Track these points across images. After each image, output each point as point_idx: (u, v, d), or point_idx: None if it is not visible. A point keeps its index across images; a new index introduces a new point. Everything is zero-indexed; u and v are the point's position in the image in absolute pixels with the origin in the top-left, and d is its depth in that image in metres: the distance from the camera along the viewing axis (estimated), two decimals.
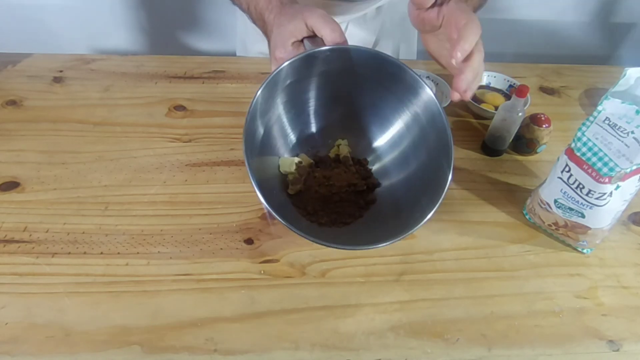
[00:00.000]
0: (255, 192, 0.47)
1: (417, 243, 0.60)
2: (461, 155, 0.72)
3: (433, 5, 0.52)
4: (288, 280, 0.55)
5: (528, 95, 0.67)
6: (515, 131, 0.70)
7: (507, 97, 0.80)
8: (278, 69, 0.51)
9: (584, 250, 0.60)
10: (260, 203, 0.61)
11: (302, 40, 0.54)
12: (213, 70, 0.84)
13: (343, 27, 0.83)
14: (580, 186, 0.54)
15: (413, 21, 0.56)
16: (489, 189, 0.68)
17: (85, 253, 0.56)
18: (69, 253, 0.56)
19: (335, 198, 0.60)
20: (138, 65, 0.84)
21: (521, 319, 0.53)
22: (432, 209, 0.50)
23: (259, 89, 0.50)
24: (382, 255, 0.58)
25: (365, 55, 0.54)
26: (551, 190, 0.58)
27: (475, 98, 0.79)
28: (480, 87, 0.83)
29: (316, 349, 0.49)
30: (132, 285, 0.53)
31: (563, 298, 0.55)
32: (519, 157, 0.73)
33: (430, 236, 0.61)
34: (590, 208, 0.55)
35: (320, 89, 0.59)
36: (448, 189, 0.50)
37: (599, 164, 0.52)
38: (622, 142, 0.50)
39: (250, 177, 0.47)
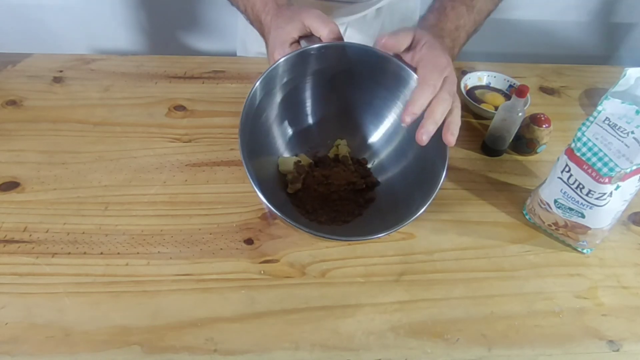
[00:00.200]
0: (255, 192, 0.47)
1: (417, 243, 0.60)
2: (461, 155, 0.72)
3: (407, 51, 0.51)
4: (288, 281, 0.55)
5: (528, 95, 0.67)
6: (515, 131, 0.70)
7: (507, 97, 0.80)
8: (273, 66, 0.51)
9: (584, 251, 0.60)
10: (260, 202, 0.61)
11: (299, 41, 0.54)
12: (213, 70, 0.84)
13: (342, 28, 0.83)
14: (580, 186, 0.54)
15: None
16: (488, 189, 0.68)
17: (85, 253, 0.56)
18: (69, 253, 0.56)
19: (335, 197, 0.60)
20: (138, 65, 0.84)
21: (521, 319, 0.53)
22: (425, 204, 0.50)
23: (254, 86, 0.50)
24: (382, 255, 0.58)
25: (357, 51, 0.54)
26: (551, 190, 0.58)
27: (475, 98, 0.79)
28: (480, 87, 0.83)
29: (316, 349, 0.49)
30: (132, 285, 0.53)
31: (563, 298, 0.55)
32: (519, 157, 0.73)
33: (430, 236, 0.61)
34: (590, 208, 0.55)
35: (316, 87, 0.59)
36: (443, 182, 0.50)
37: (599, 164, 0.52)
38: (622, 142, 0.50)
39: (248, 174, 0.48)
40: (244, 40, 0.94)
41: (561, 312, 0.54)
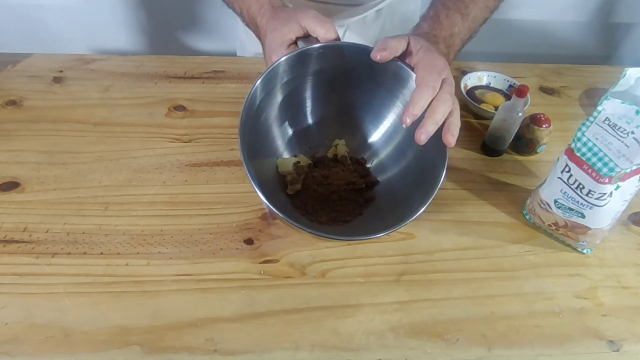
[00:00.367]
0: (255, 192, 0.47)
1: (417, 243, 0.60)
2: (461, 155, 0.72)
3: (403, 55, 0.52)
4: (288, 281, 0.55)
5: (528, 95, 0.67)
6: (515, 131, 0.70)
7: (507, 97, 0.80)
8: (272, 66, 0.51)
9: (584, 251, 0.60)
10: (261, 203, 0.61)
11: (296, 42, 0.54)
12: (213, 70, 0.84)
13: (342, 30, 0.83)
14: (580, 186, 0.54)
15: None
16: (488, 189, 0.68)
17: (85, 253, 0.56)
18: (69, 253, 0.56)
19: (334, 197, 0.60)
20: (138, 65, 0.84)
21: (521, 319, 0.53)
22: (425, 204, 0.50)
23: (253, 86, 0.50)
24: (382, 255, 0.58)
25: (356, 51, 0.54)
26: (551, 191, 0.58)
27: (475, 98, 0.79)
28: (480, 87, 0.83)
29: (316, 349, 0.49)
30: (132, 285, 0.53)
31: (563, 298, 0.55)
32: (519, 157, 0.73)
33: (430, 236, 0.61)
34: (590, 208, 0.55)
35: (315, 87, 0.59)
36: (443, 182, 0.50)
37: (599, 164, 0.52)
38: (622, 142, 0.50)
39: (248, 175, 0.48)
40: (243, 41, 0.94)
41: (561, 312, 0.54)
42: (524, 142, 0.71)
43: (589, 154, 0.53)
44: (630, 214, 0.65)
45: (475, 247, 0.60)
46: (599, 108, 0.53)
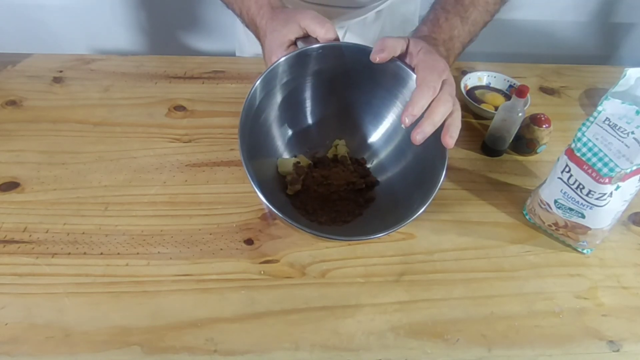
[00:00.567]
0: (255, 192, 0.47)
1: (417, 243, 0.60)
2: (461, 155, 0.72)
3: (403, 56, 0.52)
4: (288, 281, 0.55)
5: (528, 95, 0.67)
6: (515, 131, 0.70)
7: (507, 97, 0.80)
8: (272, 66, 0.51)
9: (584, 251, 0.60)
10: (261, 203, 0.61)
11: (296, 43, 0.53)
12: (213, 71, 0.84)
13: (342, 32, 0.83)
14: (580, 186, 0.54)
15: None
16: (488, 189, 0.68)
17: (85, 253, 0.56)
18: (69, 253, 0.56)
19: (334, 197, 0.60)
20: (138, 65, 0.84)
21: (521, 320, 0.53)
22: (425, 204, 0.50)
23: (253, 86, 0.50)
24: (382, 255, 0.58)
25: (355, 51, 0.54)
26: (551, 191, 0.58)
27: (475, 98, 0.79)
28: (480, 87, 0.83)
29: (316, 349, 0.49)
30: (132, 285, 0.53)
31: (563, 298, 0.55)
32: (519, 157, 0.73)
33: (430, 236, 0.61)
34: (590, 208, 0.55)
35: (315, 88, 0.59)
36: (443, 182, 0.50)
37: (599, 165, 0.52)
38: (622, 142, 0.50)
39: (247, 174, 0.48)
40: (243, 41, 0.94)
41: (561, 312, 0.54)
42: (524, 142, 0.71)
43: (589, 154, 0.53)
44: (630, 214, 0.65)
45: (475, 247, 0.60)
46: (599, 108, 0.53)
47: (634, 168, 0.51)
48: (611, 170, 0.51)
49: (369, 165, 0.63)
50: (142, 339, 0.49)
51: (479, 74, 0.83)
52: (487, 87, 0.83)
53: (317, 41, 0.52)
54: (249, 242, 0.58)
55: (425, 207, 0.49)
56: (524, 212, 0.64)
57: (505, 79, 0.82)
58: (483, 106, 0.77)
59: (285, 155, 0.62)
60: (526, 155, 0.73)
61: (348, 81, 0.58)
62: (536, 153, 0.73)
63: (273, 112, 0.59)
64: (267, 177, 0.60)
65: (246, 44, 0.93)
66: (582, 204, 0.55)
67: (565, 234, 0.60)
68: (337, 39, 0.52)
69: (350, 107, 0.62)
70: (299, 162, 0.61)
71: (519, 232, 0.62)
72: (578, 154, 0.54)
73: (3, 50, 0.85)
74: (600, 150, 0.52)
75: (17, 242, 0.57)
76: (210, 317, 0.51)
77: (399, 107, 0.58)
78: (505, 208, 0.65)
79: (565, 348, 0.51)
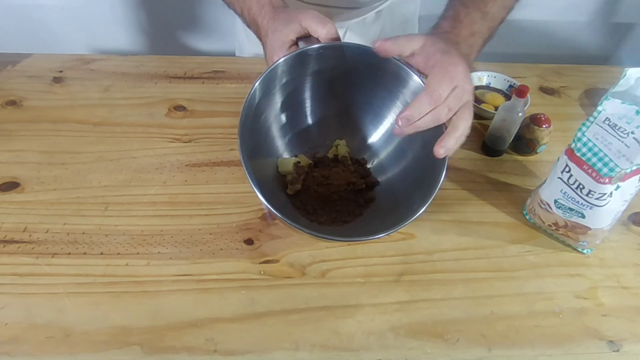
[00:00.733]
0: (254, 192, 0.47)
1: (417, 243, 0.60)
2: (461, 156, 0.72)
3: (418, 56, 0.50)
4: (288, 281, 0.55)
5: (528, 95, 0.67)
6: (515, 131, 0.70)
7: (507, 97, 0.80)
8: (272, 67, 0.51)
9: (584, 251, 0.60)
10: (260, 203, 0.61)
11: (297, 43, 0.53)
12: (213, 70, 0.84)
13: (342, 32, 0.83)
14: (580, 186, 0.54)
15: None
16: (489, 189, 0.68)
17: (85, 253, 0.56)
18: (69, 253, 0.56)
19: (335, 197, 0.60)
20: (138, 65, 0.84)
21: (521, 319, 0.53)
22: (425, 204, 0.50)
23: (253, 86, 0.50)
24: (382, 255, 0.58)
25: (356, 51, 0.54)
26: (551, 191, 0.58)
27: (475, 98, 0.79)
28: (480, 87, 0.83)
29: (316, 349, 0.49)
30: (132, 285, 0.53)
31: (563, 298, 0.55)
32: (519, 157, 0.73)
33: (430, 236, 0.61)
34: (590, 208, 0.55)
35: (315, 88, 0.59)
36: (443, 182, 0.50)
37: (599, 164, 0.52)
38: (622, 142, 0.50)
39: (247, 174, 0.48)
40: (243, 41, 0.94)
41: (561, 312, 0.54)
42: (524, 142, 0.71)
43: (589, 154, 0.53)
44: (630, 214, 0.65)
45: (475, 247, 0.60)
46: (599, 108, 0.53)
47: (634, 168, 0.51)
48: (611, 170, 0.51)
49: (369, 166, 0.63)
50: (142, 339, 0.49)
51: (479, 74, 0.83)
52: (487, 87, 0.83)
53: (318, 41, 0.52)
54: (249, 242, 0.58)
55: (425, 207, 0.49)
56: (524, 212, 0.64)
57: (505, 79, 0.82)
58: (483, 106, 0.77)
59: (286, 155, 0.62)
60: (526, 155, 0.73)
61: (349, 81, 0.58)
62: (536, 153, 0.73)
63: (273, 112, 0.59)
64: (268, 176, 0.60)
65: (246, 44, 0.93)
66: (582, 204, 0.55)
67: (565, 234, 0.60)
68: (338, 38, 0.52)
69: (351, 107, 0.62)
70: (299, 162, 0.61)
71: (519, 232, 0.62)
72: (578, 154, 0.54)
73: (3, 50, 0.85)
74: (600, 150, 0.52)
75: (17, 242, 0.57)
76: (210, 317, 0.51)
77: (400, 108, 0.58)
78: (505, 208, 0.65)
79: (565, 348, 0.51)
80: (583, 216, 0.56)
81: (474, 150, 0.73)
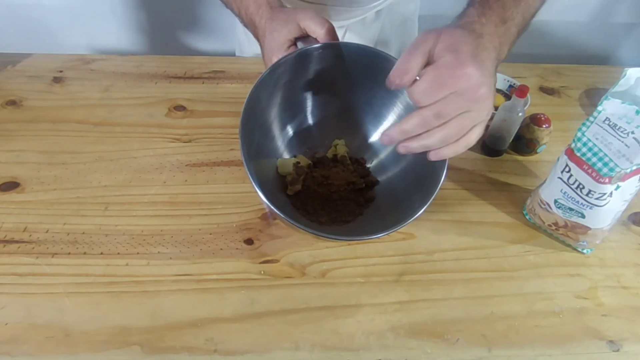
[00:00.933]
0: (255, 192, 0.47)
1: (417, 243, 0.60)
2: (461, 155, 0.71)
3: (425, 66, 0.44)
4: (288, 281, 0.55)
5: (528, 95, 0.67)
6: (515, 131, 0.70)
7: (507, 97, 0.80)
8: (272, 67, 0.51)
9: (584, 251, 0.60)
10: (261, 203, 0.61)
11: (295, 43, 0.53)
12: (213, 70, 0.84)
13: (341, 32, 0.83)
14: (580, 186, 0.54)
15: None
16: (489, 189, 0.68)
17: (85, 253, 0.56)
18: (69, 253, 0.56)
19: (335, 197, 0.60)
20: (138, 65, 0.84)
21: (521, 319, 0.53)
22: (425, 204, 0.50)
23: (253, 86, 0.50)
24: (382, 255, 0.58)
25: (355, 51, 0.54)
26: (551, 191, 0.58)
27: None
28: None
29: (316, 349, 0.49)
30: (132, 285, 0.53)
31: (563, 298, 0.55)
32: (519, 157, 0.73)
33: (430, 236, 0.61)
34: (590, 208, 0.55)
35: (315, 88, 0.59)
36: (443, 182, 0.50)
37: (599, 164, 0.52)
38: (622, 142, 0.50)
39: (249, 174, 0.48)
40: (243, 41, 0.94)
41: (561, 312, 0.54)
42: (524, 142, 0.71)
43: (589, 154, 0.53)
44: (630, 214, 0.65)
45: (475, 247, 0.60)
46: (599, 108, 0.53)
47: (634, 168, 0.51)
48: (611, 170, 0.51)
49: (369, 165, 0.63)
50: (142, 339, 0.49)
51: None
52: None
53: (316, 41, 0.52)
54: (249, 242, 0.58)
55: (425, 207, 0.49)
56: (524, 212, 0.64)
57: (505, 79, 0.82)
58: None
59: (285, 155, 0.62)
60: (526, 155, 0.73)
61: (348, 81, 0.58)
62: (536, 153, 0.73)
63: (273, 112, 0.59)
64: (267, 177, 0.60)
65: (246, 44, 0.93)
66: (582, 203, 0.55)
67: (565, 234, 0.60)
68: (336, 38, 0.52)
69: (350, 107, 0.62)
70: (298, 162, 0.61)
71: (519, 232, 0.62)
72: (578, 154, 0.54)
73: (3, 50, 0.85)
74: (600, 150, 0.52)
75: (17, 242, 0.57)
76: (210, 317, 0.51)
77: (399, 107, 0.58)
78: (505, 208, 0.65)
79: (565, 348, 0.51)
80: (583, 216, 0.56)
81: (474, 150, 0.73)
